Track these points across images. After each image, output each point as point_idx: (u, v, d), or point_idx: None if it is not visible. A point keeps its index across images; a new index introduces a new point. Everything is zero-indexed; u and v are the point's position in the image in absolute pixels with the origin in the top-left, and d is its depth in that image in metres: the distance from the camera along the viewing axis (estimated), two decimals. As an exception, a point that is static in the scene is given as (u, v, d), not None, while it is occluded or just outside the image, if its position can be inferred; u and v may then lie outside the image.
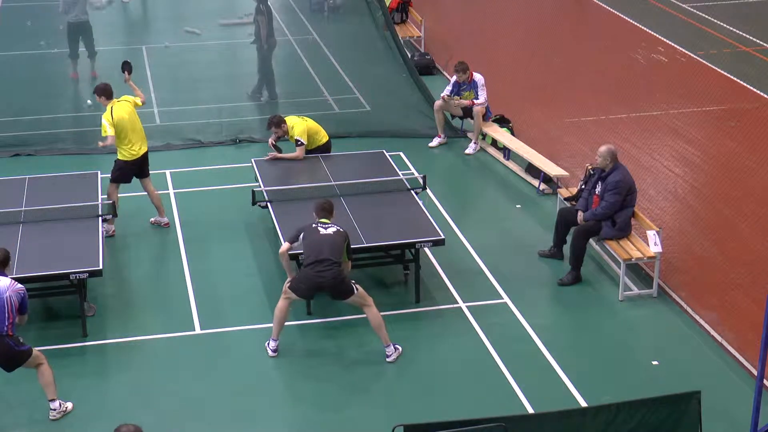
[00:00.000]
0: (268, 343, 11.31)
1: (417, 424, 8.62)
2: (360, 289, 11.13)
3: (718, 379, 10.87)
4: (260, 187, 13.51)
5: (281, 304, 11.20)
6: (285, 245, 11.31)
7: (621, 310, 12.24)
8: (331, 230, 11.09)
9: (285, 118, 14.40)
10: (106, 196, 13.51)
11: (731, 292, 12.43)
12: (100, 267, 11.48)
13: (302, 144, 14.24)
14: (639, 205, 13.15)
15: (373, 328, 11.18)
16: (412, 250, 12.26)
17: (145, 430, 10.05)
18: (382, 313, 11.88)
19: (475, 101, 16.60)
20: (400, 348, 11.29)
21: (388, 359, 11.16)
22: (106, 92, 13.42)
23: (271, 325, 11.53)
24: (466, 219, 14.47)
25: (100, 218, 12.60)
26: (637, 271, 12.92)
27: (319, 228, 11.11)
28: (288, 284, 11.18)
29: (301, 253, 11.40)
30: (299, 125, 14.32)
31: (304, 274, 11.02)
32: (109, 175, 13.73)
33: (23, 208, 12.82)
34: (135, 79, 14.31)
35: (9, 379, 10.85)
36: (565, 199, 13.89)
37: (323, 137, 14.63)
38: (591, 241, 12.83)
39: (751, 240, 13.72)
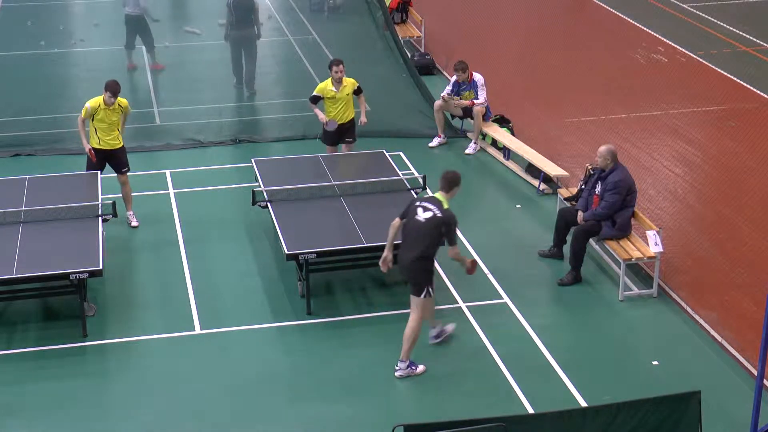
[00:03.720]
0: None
1: (417, 424, 8.63)
2: (430, 299, 10.80)
3: (718, 379, 10.87)
4: (260, 187, 13.51)
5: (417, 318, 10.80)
6: (396, 221, 10.95)
7: (621, 310, 12.24)
8: (426, 215, 10.60)
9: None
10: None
11: (731, 292, 12.42)
12: (100, 267, 11.47)
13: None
14: (639, 205, 13.15)
15: (405, 336, 10.80)
16: (412, 250, 12.24)
17: (145, 430, 10.12)
18: (382, 313, 11.95)
19: (474, 101, 16.60)
20: (417, 368, 10.89)
21: (396, 372, 10.85)
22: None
23: (271, 325, 11.58)
24: (466, 219, 14.42)
25: (100, 218, 12.60)
26: (637, 271, 12.92)
27: (418, 210, 10.68)
28: None
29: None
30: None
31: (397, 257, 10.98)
32: (122, 170, 14.03)
33: (23, 208, 12.82)
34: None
35: (8, 381, 10.86)
36: (565, 199, 13.89)
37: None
38: (591, 241, 12.83)
39: (751, 240, 13.71)
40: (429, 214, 10.61)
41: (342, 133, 14.99)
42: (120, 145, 13.95)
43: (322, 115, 14.78)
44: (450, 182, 10.79)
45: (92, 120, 13.67)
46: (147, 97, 18.68)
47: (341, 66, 14.57)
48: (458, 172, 10.97)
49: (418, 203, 10.81)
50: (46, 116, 17.70)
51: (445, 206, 10.67)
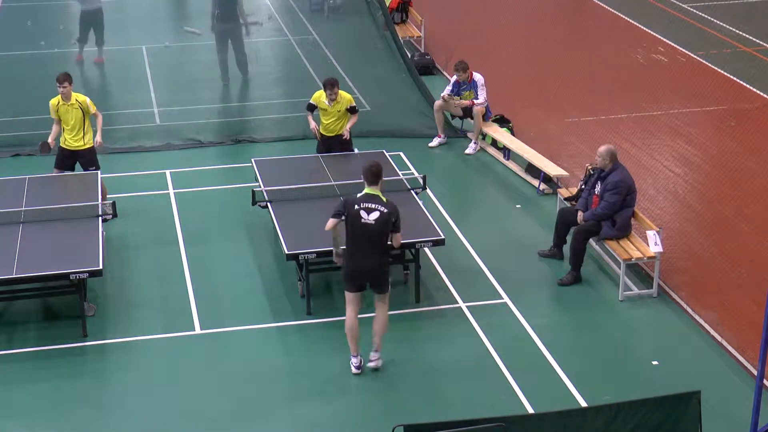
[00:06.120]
0: (351, 361, 11.03)
1: (417, 424, 8.62)
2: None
3: (718, 379, 10.87)
4: (260, 187, 13.52)
5: (350, 313, 10.91)
6: (331, 221, 10.78)
7: (621, 310, 12.24)
8: (373, 216, 10.53)
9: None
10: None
11: (731, 292, 12.42)
12: (100, 267, 11.47)
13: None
14: (639, 205, 13.15)
15: (375, 329, 10.97)
16: (412, 250, 12.26)
17: (145, 430, 10.12)
18: (382, 313, 11.96)
19: (474, 101, 16.61)
20: (382, 360, 11.08)
21: (370, 363, 10.98)
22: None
23: (271, 325, 11.56)
24: (466, 219, 14.46)
25: (100, 218, 12.60)
26: (637, 271, 12.92)
27: (361, 213, 10.56)
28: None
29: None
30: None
31: (350, 264, 10.76)
32: (94, 168, 13.98)
33: (23, 208, 12.82)
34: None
35: (8, 381, 10.87)
36: (565, 199, 13.89)
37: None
38: (591, 241, 12.83)
39: (751, 240, 13.71)
40: (376, 214, 10.60)
41: (330, 147, 14.62)
42: (85, 147, 13.91)
43: (313, 124, 14.59)
44: (377, 174, 10.77)
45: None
46: (147, 97, 18.68)
47: (335, 89, 14.24)
48: (378, 162, 11.01)
49: (356, 206, 10.65)
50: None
51: (384, 200, 10.71)
